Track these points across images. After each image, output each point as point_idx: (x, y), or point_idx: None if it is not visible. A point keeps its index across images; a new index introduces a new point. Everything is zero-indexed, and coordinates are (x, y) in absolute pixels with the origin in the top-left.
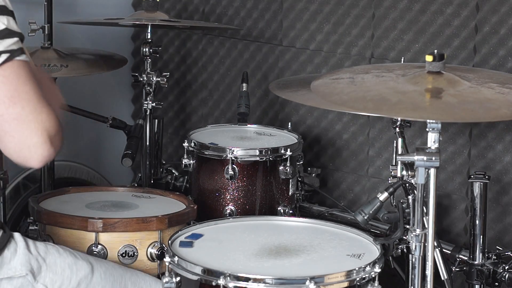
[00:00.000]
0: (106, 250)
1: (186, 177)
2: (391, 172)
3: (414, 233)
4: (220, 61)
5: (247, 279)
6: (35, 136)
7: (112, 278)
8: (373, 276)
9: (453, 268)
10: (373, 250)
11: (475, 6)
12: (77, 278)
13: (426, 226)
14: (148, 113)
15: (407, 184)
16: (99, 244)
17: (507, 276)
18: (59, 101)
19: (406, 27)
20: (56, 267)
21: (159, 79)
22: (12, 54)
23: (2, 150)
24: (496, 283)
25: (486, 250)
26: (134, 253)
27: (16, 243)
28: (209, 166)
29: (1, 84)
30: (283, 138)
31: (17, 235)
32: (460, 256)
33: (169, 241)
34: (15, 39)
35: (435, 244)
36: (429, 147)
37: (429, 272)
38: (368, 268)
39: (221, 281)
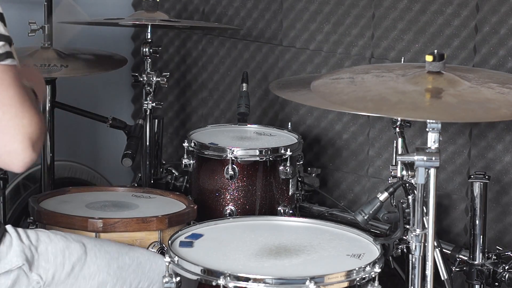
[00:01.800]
0: None
1: (186, 177)
2: (391, 172)
3: (414, 233)
4: (220, 61)
5: (247, 279)
6: (16, 142)
7: (108, 256)
8: (373, 276)
9: (453, 268)
10: (373, 250)
11: (475, 6)
12: (70, 262)
13: (426, 226)
14: (148, 113)
15: (407, 184)
16: None
17: (507, 276)
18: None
19: (406, 27)
20: (48, 254)
21: (159, 79)
22: None
23: None
24: (496, 283)
25: (486, 250)
26: None
27: (10, 235)
28: (209, 166)
29: None
30: (283, 138)
31: (9, 227)
32: (460, 256)
33: (169, 241)
34: (1, 43)
35: (435, 244)
36: (429, 147)
37: (429, 272)
38: (368, 268)
39: (221, 281)
